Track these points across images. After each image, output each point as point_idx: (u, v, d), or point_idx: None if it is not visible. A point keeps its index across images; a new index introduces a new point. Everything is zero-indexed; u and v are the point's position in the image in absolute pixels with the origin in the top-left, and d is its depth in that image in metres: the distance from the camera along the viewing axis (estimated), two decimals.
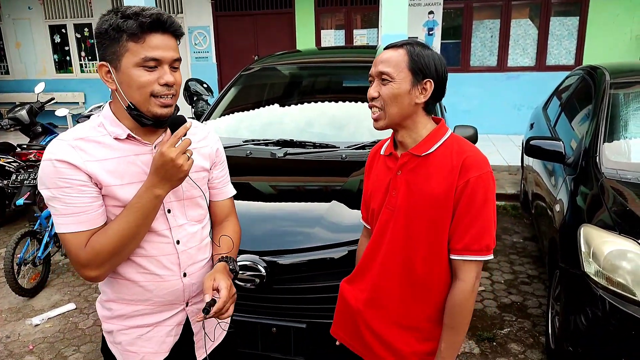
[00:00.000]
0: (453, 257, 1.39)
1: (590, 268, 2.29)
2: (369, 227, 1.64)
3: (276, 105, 3.79)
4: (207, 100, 6.84)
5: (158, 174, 1.24)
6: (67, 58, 10.44)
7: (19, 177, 4.18)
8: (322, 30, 9.00)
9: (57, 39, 10.37)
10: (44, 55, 10.49)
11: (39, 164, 4.31)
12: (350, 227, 2.26)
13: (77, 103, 10.16)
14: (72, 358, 3.07)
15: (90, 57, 10.28)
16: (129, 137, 1.29)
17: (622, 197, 2.50)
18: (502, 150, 7.17)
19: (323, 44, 8.97)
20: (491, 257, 1.39)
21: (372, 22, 8.77)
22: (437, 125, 1.45)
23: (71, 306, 3.66)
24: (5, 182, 4.53)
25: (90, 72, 10.32)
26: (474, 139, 3.07)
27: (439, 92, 1.42)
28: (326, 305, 2.14)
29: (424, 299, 1.45)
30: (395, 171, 1.45)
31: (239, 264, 2.19)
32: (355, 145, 3.01)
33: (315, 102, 3.78)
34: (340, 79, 4.04)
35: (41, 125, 5.40)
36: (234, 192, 1.62)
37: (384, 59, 1.39)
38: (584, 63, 7.52)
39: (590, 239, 2.35)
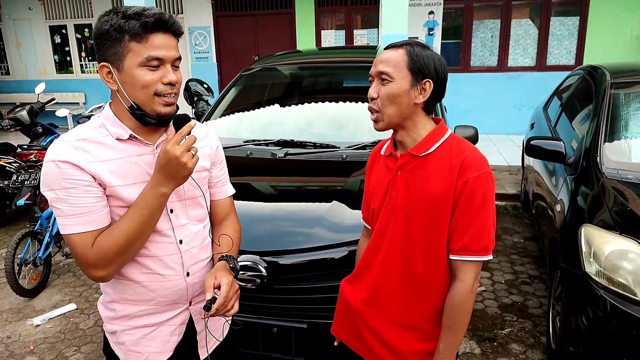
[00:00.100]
0: (452, 257, 1.40)
1: (591, 268, 2.28)
2: (370, 228, 1.64)
3: (276, 105, 3.79)
4: (207, 100, 6.84)
5: (163, 172, 1.24)
6: (68, 58, 10.45)
7: (19, 178, 4.19)
8: (322, 31, 9.00)
9: (58, 40, 10.38)
10: (44, 55, 10.50)
11: (40, 165, 4.35)
12: (350, 227, 2.26)
13: (78, 103, 10.17)
14: (73, 358, 3.08)
15: (90, 58, 10.28)
16: (131, 137, 1.29)
17: (622, 197, 2.50)
18: (502, 150, 7.17)
19: (323, 44, 8.97)
20: (490, 257, 1.39)
21: (372, 22, 8.77)
22: (437, 125, 1.46)
23: (72, 306, 3.66)
24: (5, 182, 4.54)
25: (90, 72, 10.33)
26: (474, 139, 3.06)
27: (439, 92, 1.42)
28: (327, 306, 2.14)
29: (423, 298, 1.46)
30: (395, 171, 1.46)
31: (239, 264, 2.20)
32: (355, 145, 3.01)
33: (316, 102, 3.78)
34: (341, 79, 4.04)
35: (42, 125, 5.41)
36: (233, 191, 1.63)
37: (383, 59, 1.40)
38: (585, 63, 7.52)
39: (591, 239, 2.35)
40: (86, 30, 10.10)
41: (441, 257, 1.41)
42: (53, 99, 5.91)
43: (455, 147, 1.40)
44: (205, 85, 7.01)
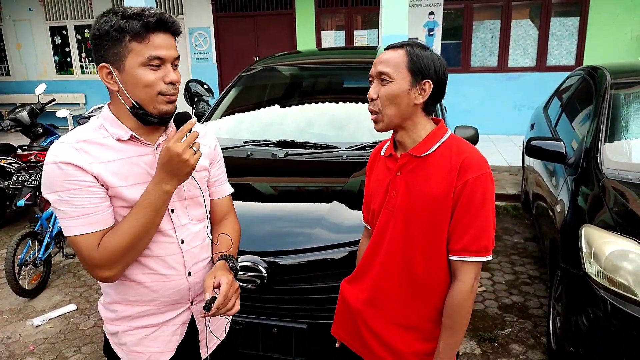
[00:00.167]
0: (452, 257, 1.40)
1: (591, 268, 2.28)
2: (370, 228, 1.64)
3: (277, 106, 3.79)
4: (207, 101, 6.85)
5: (165, 170, 1.24)
6: (68, 59, 10.46)
7: (19, 178, 4.19)
8: (322, 31, 9.00)
9: (58, 40, 10.38)
10: (44, 56, 10.51)
11: (40, 165, 4.35)
12: (351, 228, 2.26)
13: (78, 104, 10.18)
14: (73, 359, 3.07)
15: (91, 59, 10.28)
16: (131, 138, 1.29)
17: (623, 198, 2.50)
18: (502, 150, 7.17)
19: (323, 45, 8.97)
20: (490, 258, 1.39)
21: (372, 22, 8.77)
22: (437, 126, 1.46)
23: (72, 307, 3.66)
24: (6, 183, 4.54)
25: (91, 73, 10.34)
26: (474, 139, 3.06)
27: (439, 93, 1.42)
28: (327, 306, 2.14)
29: (423, 299, 1.46)
30: (395, 172, 1.46)
31: (240, 264, 2.20)
32: (355, 145, 3.01)
33: (316, 102, 3.78)
34: (341, 80, 4.04)
35: (42, 126, 5.41)
36: (232, 190, 1.63)
37: (383, 59, 1.40)
38: (585, 63, 7.53)
39: (592, 239, 2.35)
40: (86, 31, 10.10)
41: (441, 258, 1.41)
42: (53, 100, 5.92)
43: (455, 148, 1.40)
44: (205, 86, 7.02)
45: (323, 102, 3.75)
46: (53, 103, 5.83)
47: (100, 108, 5.68)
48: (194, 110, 6.68)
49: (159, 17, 1.23)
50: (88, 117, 4.46)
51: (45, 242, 3.89)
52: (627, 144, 2.93)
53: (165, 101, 1.27)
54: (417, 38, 8.09)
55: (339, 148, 3.02)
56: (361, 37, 8.86)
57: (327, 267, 2.26)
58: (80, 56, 10.35)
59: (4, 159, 4.81)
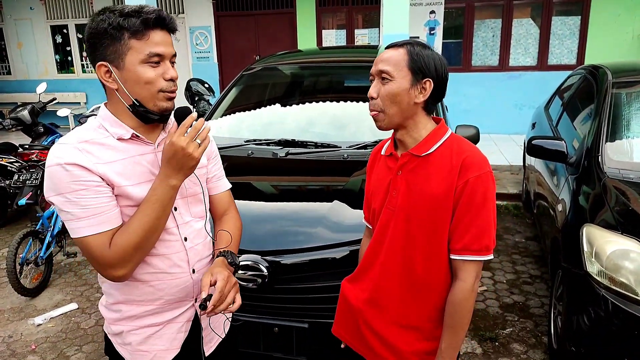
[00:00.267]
0: (453, 257, 1.40)
1: (592, 268, 2.28)
2: (371, 227, 1.64)
3: (278, 105, 3.79)
4: (208, 100, 6.84)
5: (171, 165, 1.24)
6: (69, 58, 10.47)
7: (21, 177, 4.19)
8: (323, 30, 9.00)
9: (59, 39, 10.39)
10: (45, 55, 10.52)
11: (41, 164, 4.34)
12: (352, 227, 2.26)
13: (79, 103, 10.18)
14: (74, 358, 3.08)
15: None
16: (132, 136, 1.29)
17: (624, 197, 2.49)
18: (503, 149, 7.16)
19: (324, 44, 8.97)
20: (491, 257, 1.39)
21: (373, 21, 8.76)
22: (437, 125, 1.46)
23: (73, 306, 3.66)
24: (7, 182, 4.54)
25: (91, 72, 10.32)
26: (475, 138, 3.06)
27: (439, 92, 1.42)
28: (328, 305, 2.14)
29: (424, 298, 1.46)
30: (396, 171, 1.46)
31: (241, 263, 2.20)
32: (357, 144, 3.01)
33: (317, 101, 3.78)
34: (342, 79, 4.03)
35: (43, 125, 5.41)
36: (230, 185, 1.63)
37: (384, 58, 1.40)
38: (586, 62, 7.52)
39: (593, 238, 2.34)
40: None
41: (442, 257, 1.41)
42: (54, 99, 5.92)
43: (455, 147, 1.40)
44: (206, 85, 7.02)
45: (324, 101, 3.75)
46: (54, 102, 5.82)
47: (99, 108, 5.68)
48: (195, 110, 6.68)
49: (157, 14, 1.23)
50: (89, 116, 4.46)
51: (46, 241, 3.89)
52: (628, 143, 2.93)
53: (165, 98, 1.27)
54: (418, 37, 8.07)
55: (340, 147, 3.01)
56: (362, 36, 8.86)
57: (328, 266, 2.26)
58: (81, 55, 10.35)
59: (5, 157, 4.81)
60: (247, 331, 2.29)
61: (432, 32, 8.35)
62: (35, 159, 4.73)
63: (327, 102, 3.72)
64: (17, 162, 4.75)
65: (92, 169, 1.21)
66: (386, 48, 1.43)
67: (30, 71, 10.71)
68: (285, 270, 2.25)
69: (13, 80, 10.86)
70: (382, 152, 1.57)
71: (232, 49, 9.53)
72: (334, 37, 8.98)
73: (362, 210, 1.72)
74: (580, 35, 7.83)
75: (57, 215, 4.03)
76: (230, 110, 3.69)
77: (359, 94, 3.55)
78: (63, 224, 4.02)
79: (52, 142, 5.24)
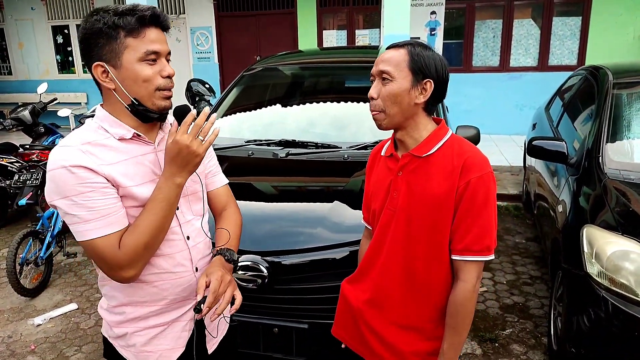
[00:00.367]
0: (454, 257, 1.40)
1: (593, 269, 2.28)
2: (370, 228, 1.64)
3: (278, 105, 3.79)
4: (209, 100, 6.84)
5: (175, 163, 1.24)
6: (70, 59, 10.48)
7: (21, 178, 4.19)
8: (324, 31, 9.00)
9: (60, 40, 10.40)
10: (46, 55, 10.53)
11: (42, 164, 4.34)
12: (352, 228, 2.26)
13: (80, 103, 10.19)
14: (74, 358, 3.08)
15: None
16: (133, 136, 1.29)
17: (625, 198, 2.49)
18: (504, 150, 7.16)
19: (325, 45, 8.97)
20: (492, 257, 1.39)
21: (374, 22, 8.76)
22: (438, 126, 1.45)
23: (73, 306, 3.66)
24: (7, 182, 4.54)
25: None
26: (476, 139, 3.06)
27: (440, 93, 1.42)
28: (328, 306, 2.14)
29: (424, 299, 1.46)
30: (396, 172, 1.45)
31: (241, 264, 2.20)
32: (357, 145, 3.01)
33: (318, 102, 3.78)
34: (343, 79, 4.03)
35: (44, 125, 5.41)
36: (227, 180, 1.62)
37: (385, 58, 1.40)
38: (587, 63, 7.50)
39: (593, 239, 2.34)
40: None
41: (443, 258, 1.41)
42: (55, 99, 5.91)
43: (456, 148, 1.40)
44: (207, 85, 7.01)
45: (324, 101, 3.75)
46: (55, 102, 5.82)
47: None
48: (195, 110, 6.69)
49: (152, 11, 1.23)
50: (89, 116, 4.46)
51: (46, 242, 3.89)
52: (629, 144, 2.93)
53: (163, 97, 1.27)
54: (418, 37, 8.07)
55: (341, 148, 3.01)
56: (363, 37, 8.86)
57: (329, 266, 2.26)
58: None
59: (6, 158, 4.81)
60: (246, 332, 2.29)
61: (432, 32, 8.35)
62: (36, 159, 4.73)
63: (328, 103, 3.72)
64: (17, 162, 4.75)
65: (98, 171, 1.20)
66: (387, 48, 1.43)
67: (31, 71, 10.72)
68: (285, 270, 2.25)
69: (14, 81, 10.88)
70: (382, 153, 1.56)
71: (233, 50, 9.53)
72: (334, 38, 8.98)
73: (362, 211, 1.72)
74: (581, 36, 7.82)
75: (57, 216, 4.03)
76: (230, 111, 3.69)
77: (360, 95, 3.55)
78: (63, 224, 4.03)
79: (53, 143, 5.24)
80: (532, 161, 4.41)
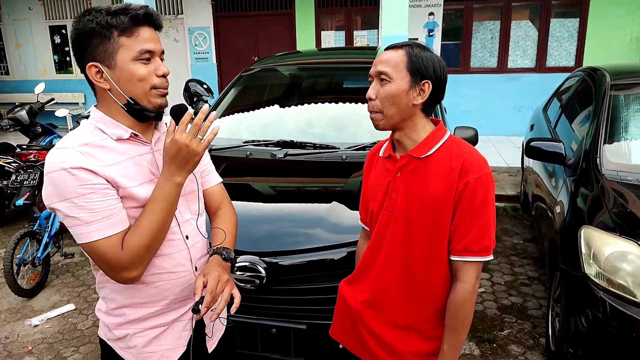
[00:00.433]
0: (453, 258, 1.40)
1: (590, 270, 2.28)
2: (368, 229, 1.64)
3: (276, 106, 3.79)
4: (207, 101, 6.83)
5: (175, 162, 1.24)
6: (67, 59, 10.45)
7: (18, 178, 4.18)
8: (322, 31, 9.00)
9: (57, 40, 10.37)
10: (44, 55, 10.50)
11: (39, 165, 4.33)
12: (350, 228, 2.26)
13: (77, 104, 10.16)
14: (71, 359, 3.07)
15: None
16: (131, 136, 1.28)
17: (622, 199, 2.49)
18: (502, 151, 7.17)
19: (323, 45, 8.97)
20: (491, 257, 1.40)
21: (372, 23, 8.77)
22: (436, 127, 1.46)
23: (70, 307, 3.65)
24: (4, 182, 4.53)
25: None
26: (474, 140, 3.06)
27: (438, 94, 1.42)
28: (326, 307, 2.14)
29: (423, 300, 1.46)
30: (395, 173, 1.45)
31: (239, 264, 2.20)
32: (355, 146, 3.01)
33: (316, 103, 3.78)
34: (341, 80, 4.03)
35: (41, 125, 5.40)
36: (220, 179, 1.62)
37: (383, 59, 1.40)
38: (584, 64, 7.53)
39: (591, 240, 2.35)
40: None
41: (441, 258, 1.41)
42: (52, 99, 5.90)
43: (455, 149, 1.41)
44: (205, 86, 7.00)
45: (323, 102, 3.75)
46: (52, 102, 5.81)
47: None
48: (193, 110, 6.68)
49: (145, 10, 1.23)
50: (87, 117, 4.45)
51: (43, 242, 3.88)
52: (626, 145, 2.93)
53: (159, 95, 1.27)
54: (416, 39, 8.09)
55: (339, 148, 3.01)
56: (361, 38, 8.86)
57: (327, 267, 2.26)
58: None
59: (3, 158, 4.80)
60: (244, 332, 2.29)
61: (430, 33, 8.36)
62: (33, 159, 4.72)
63: (326, 104, 3.72)
64: (14, 162, 4.74)
65: (98, 172, 1.19)
66: (385, 49, 1.43)
67: (28, 71, 10.69)
68: (284, 271, 2.25)
69: (11, 81, 10.84)
70: (380, 154, 1.56)
71: (231, 50, 9.53)
72: (333, 39, 8.99)
73: None
74: (579, 37, 7.84)
75: (54, 216, 4.02)
76: (229, 111, 3.69)
77: (358, 96, 3.55)
78: (61, 225, 4.02)
79: (50, 143, 5.23)
80: (529, 162, 4.42)
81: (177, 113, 1.28)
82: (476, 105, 8.19)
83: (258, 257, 2.23)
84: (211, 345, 1.51)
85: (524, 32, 8.07)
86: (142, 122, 1.30)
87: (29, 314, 3.61)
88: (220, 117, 3.62)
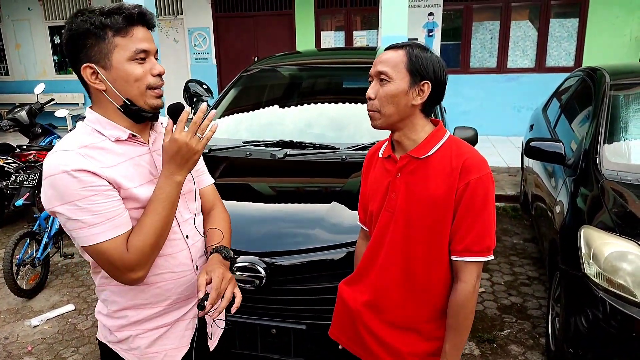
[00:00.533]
0: (454, 258, 1.40)
1: (590, 269, 2.28)
2: (367, 229, 1.64)
3: (276, 106, 3.79)
4: (207, 101, 6.84)
5: (175, 161, 1.24)
6: (67, 59, 10.44)
7: (18, 178, 4.18)
8: (322, 32, 9.00)
9: (57, 40, 10.37)
10: (43, 56, 10.50)
11: (39, 165, 4.33)
12: (350, 229, 2.26)
13: (77, 104, 10.16)
14: (71, 359, 3.07)
15: None
16: (129, 137, 1.28)
17: (622, 199, 2.50)
18: (501, 151, 7.17)
19: (323, 46, 8.97)
20: (491, 257, 1.40)
21: (372, 23, 8.77)
22: (436, 127, 1.46)
23: (70, 307, 3.65)
24: (4, 183, 4.53)
25: None
26: (474, 140, 3.06)
27: (438, 94, 1.42)
28: (326, 307, 2.13)
29: (424, 300, 1.46)
30: (395, 173, 1.45)
31: (238, 264, 2.20)
32: (355, 146, 3.01)
33: (315, 103, 3.78)
34: (340, 80, 4.03)
35: (41, 126, 5.40)
36: (212, 180, 1.62)
37: (383, 59, 1.40)
38: (584, 64, 7.54)
39: (591, 240, 2.35)
40: None
41: (442, 259, 1.41)
42: (52, 100, 5.90)
43: (455, 149, 1.40)
44: (204, 86, 7.02)
45: (322, 102, 3.75)
46: (52, 103, 5.81)
47: None
48: (193, 111, 6.68)
49: (139, 9, 1.23)
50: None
51: (43, 242, 3.88)
52: (626, 145, 2.94)
53: (155, 95, 1.27)
54: (416, 39, 8.09)
55: (338, 148, 3.01)
56: (361, 38, 8.86)
57: (326, 267, 2.26)
58: None
59: (3, 158, 4.80)
60: (244, 333, 2.29)
61: (430, 34, 8.36)
62: (33, 159, 4.72)
63: (326, 104, 3.72)
64: (14, 162, 4.74)
65: (100, 174, 1.18)
66: (385, 49, 1.43)
67: (28, 72, 10.70)
68: (283, 271, 2.25)
69: (11, 81, 10.84)
70: (380, 155, 1.56)
71: (231, 51, 9.53)
72: (332, 39, 8.99)
73: None
74: (578, 38, 7.85)
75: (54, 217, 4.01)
76: (228, 112, 3.69)
77: (358, 96, 3.54)
78: (60, 225, 4.02)
79: (50, 143, 5.23)
80: (529, 162, 4.42)
81: (174, 112, 1.27)
82: (476, 105, 8.19)
83: (258, 258, 2.22)
84: (212, 344, 1.52)
85: (523, 32, 8.08)
86: (138, 122, 1.30)
87: (28, 314, 3.61)
88: (220, 118, 3.62)
